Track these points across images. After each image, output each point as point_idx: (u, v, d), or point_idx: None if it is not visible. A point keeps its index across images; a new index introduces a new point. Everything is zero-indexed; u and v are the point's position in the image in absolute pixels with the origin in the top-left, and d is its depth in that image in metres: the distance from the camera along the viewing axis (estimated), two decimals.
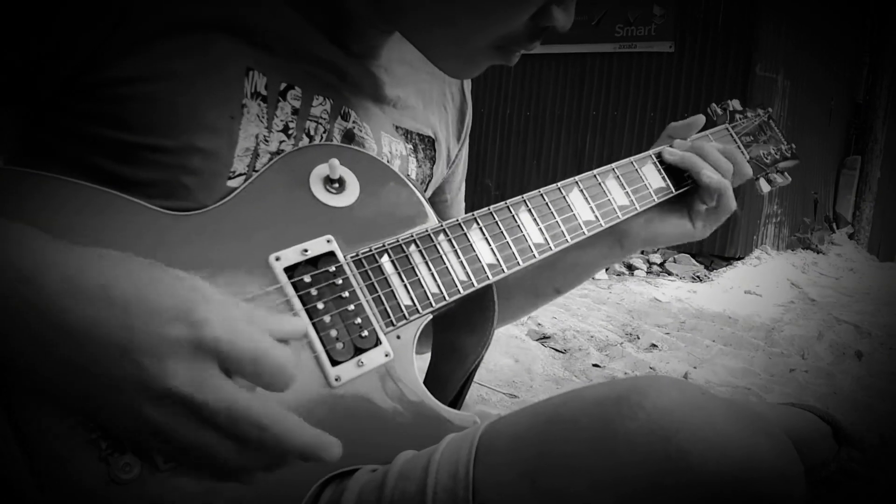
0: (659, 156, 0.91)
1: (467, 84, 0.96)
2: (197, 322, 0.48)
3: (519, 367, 2.83)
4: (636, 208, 0.87)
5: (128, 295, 0.48)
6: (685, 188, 0.91)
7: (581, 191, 0.84)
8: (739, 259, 5.27)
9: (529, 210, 0.80)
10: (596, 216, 0.84)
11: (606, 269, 5.03)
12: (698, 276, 4.99)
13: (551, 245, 0.79)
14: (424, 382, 0.71)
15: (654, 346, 3.29)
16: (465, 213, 0.84)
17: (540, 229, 0.79)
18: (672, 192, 0.91)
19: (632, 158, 0.90)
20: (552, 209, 0.81)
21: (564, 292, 0.98)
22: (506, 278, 0.76)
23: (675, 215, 0.93)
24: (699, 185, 0.89)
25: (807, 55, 5.81)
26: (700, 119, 0.95)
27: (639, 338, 3.40)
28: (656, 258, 5.33)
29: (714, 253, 5.32)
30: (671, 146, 0.92)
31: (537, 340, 3.20)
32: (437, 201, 0.98)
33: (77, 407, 0.52)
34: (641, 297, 4.27)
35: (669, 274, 5.09)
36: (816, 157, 6.28)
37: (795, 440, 0.55)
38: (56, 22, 0.61)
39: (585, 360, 3.00)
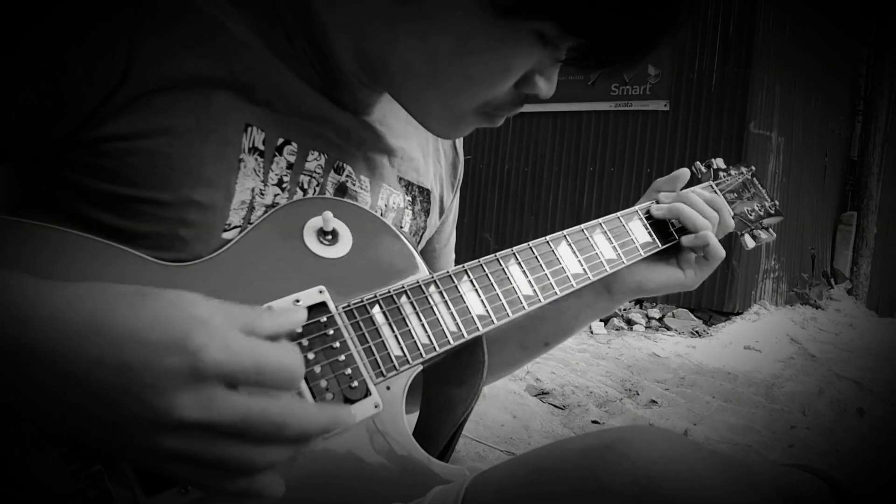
0: (645, 211, 0.94)
1: (459, 139, 0.99)
2: (193, 349, 0.48)
3: (517, 423, 2.79)
4: (623, 262, 0.89)
5: (119, 330, 0.48)
6: (670, 243, 0.93)
7: (569, 244, 0.85)
8: (738, 314, 5.26)
9: (519, 262, 0.81)
10: (584, 269, 0.85)
11: (605, 324, 5.01)
12: (697, 332, 4.97)
13: (540, 297, 0.80)
14: (413, 434, 0.70)
15: (653, 402, 3.25)
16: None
17: (529, 281, 0.80)
18: (658, 246, 0.93)
19: (618, 214, 0.92)
20: (541, 262, 0.82)
21: (554, 345, 0.99)
22: (495, 332, 0.77)
23: (664, 263, 0.94)
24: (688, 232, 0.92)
25: (801, 113, 5.92)
26: (685, 172, 0.97)
27: (638, 394, 3.37)
28: (655, 313, 5.32)
29: (712, 308, 5.31)
30: (658, 201, 0.94)
31: (536, 396, 3.17)
32: (425, 251, 0.99)
33: (98, 447, 0.53)
34: (640, 353, 4.25)
35: (668, 329, 5.07)
36: (812, 213, 6.33)
37: (791, 499, 0.55)
38: (61, 82, 0.62)
39: (584, 417, 2.96)
